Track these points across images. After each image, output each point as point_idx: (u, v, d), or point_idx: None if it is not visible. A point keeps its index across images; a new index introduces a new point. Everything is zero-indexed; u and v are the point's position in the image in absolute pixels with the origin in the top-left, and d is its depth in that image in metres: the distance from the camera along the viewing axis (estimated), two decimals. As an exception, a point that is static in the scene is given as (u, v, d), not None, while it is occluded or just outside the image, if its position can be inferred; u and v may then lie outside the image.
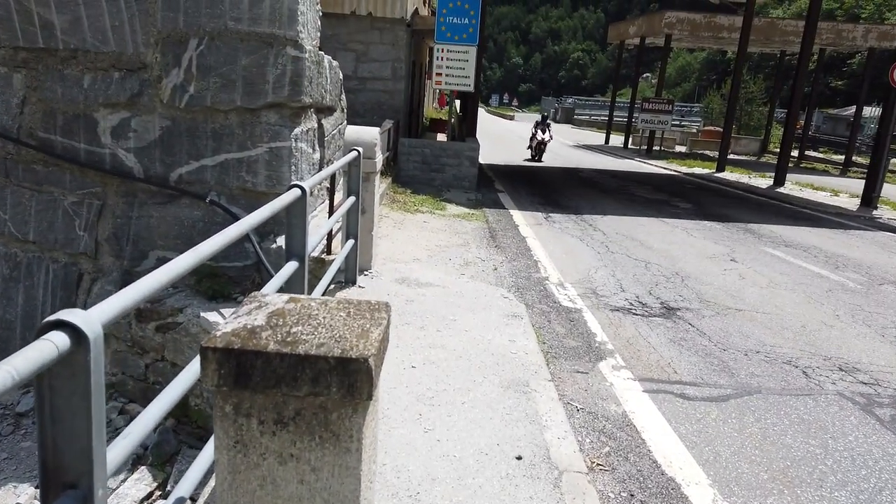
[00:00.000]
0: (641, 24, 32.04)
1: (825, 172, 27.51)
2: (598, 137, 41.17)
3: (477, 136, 16.06)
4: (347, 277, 5.53)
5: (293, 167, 6.77)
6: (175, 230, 6.45)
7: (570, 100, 78.86)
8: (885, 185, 16.71)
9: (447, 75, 13.52)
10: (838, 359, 5.25)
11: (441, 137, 22.04)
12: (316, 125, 7.87)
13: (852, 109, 51.36)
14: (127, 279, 6.76)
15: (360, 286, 5.54)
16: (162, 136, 6.25)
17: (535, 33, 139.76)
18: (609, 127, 38.01)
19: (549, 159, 24.46)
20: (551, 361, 4.72)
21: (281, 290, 3.08)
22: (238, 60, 6.01)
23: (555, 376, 4.40)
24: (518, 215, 11.28)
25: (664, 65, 31.71)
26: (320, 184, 7.68)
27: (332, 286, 5.45)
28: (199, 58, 6.05)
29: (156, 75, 6.11)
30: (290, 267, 3.20)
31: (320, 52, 7.77)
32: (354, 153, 5.20)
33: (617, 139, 36.08)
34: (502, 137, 36.14)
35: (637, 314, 6.12)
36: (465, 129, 15.98)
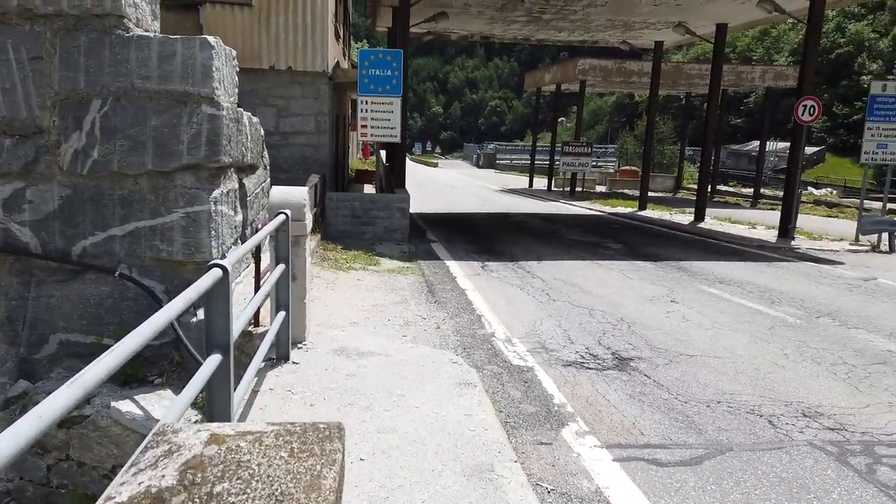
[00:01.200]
0: (556, 71, 33.21)
1: (737, 205, 28.85)
2: (521, 181, 41.96)
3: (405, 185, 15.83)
4: (279, 353, 4.99)
5: (213, 232, 6.23)
6: (80, 310, 5.74)
7: (491, 145, 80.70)
8: (799, 216, 17.49)
9: (373, 127, 13.28)
10: (799, 403, 5.10)
11: (368, 189, 21.73)
12: (237, 185, 7.36)
13: (753, 144, 54.82)
14: (25, 368, 5.97)
15: (293, 362, 5.01)
16: (62, 207, 5.60)
17: (452, 83, 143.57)
18: (532, 170, 38.83)
19: (478, 205, 24.52)
20: (512, 434, 4.32)
21: (203, 392, 2.57)
22: (147, 121, 5.48)
23: (519, 452, 4.00)
24: (454, 266, 10.98)
25: (581, 109, 32.83)
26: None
27: (263, 364, 4.90)
28: (102, 119, 5.48)
29: (54, 140, 5.50)
30: (213, 362, 2.70)
31: (239, 109, 7.32)
32: (282, 217, 4.75)
33: (540, 182, 36.83)
34: (429, 185, 36.23)
35: (591, 368, 5.83)
36: (394, 179, 15.72)
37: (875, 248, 14.81)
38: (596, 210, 23.49)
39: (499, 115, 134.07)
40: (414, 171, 59.47)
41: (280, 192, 5.24)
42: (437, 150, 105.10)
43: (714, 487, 3.73)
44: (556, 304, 8.39)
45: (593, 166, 37.01)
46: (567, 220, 20.02)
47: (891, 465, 4.04)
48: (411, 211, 14.20)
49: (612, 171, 46.30)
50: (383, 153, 23.21)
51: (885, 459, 4.13)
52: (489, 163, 67.23)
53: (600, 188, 36.58)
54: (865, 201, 16.88)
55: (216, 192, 6.31)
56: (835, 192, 41.72)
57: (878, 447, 4.32)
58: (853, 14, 62.22)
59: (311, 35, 13.81)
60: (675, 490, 3.68)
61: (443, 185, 37.38)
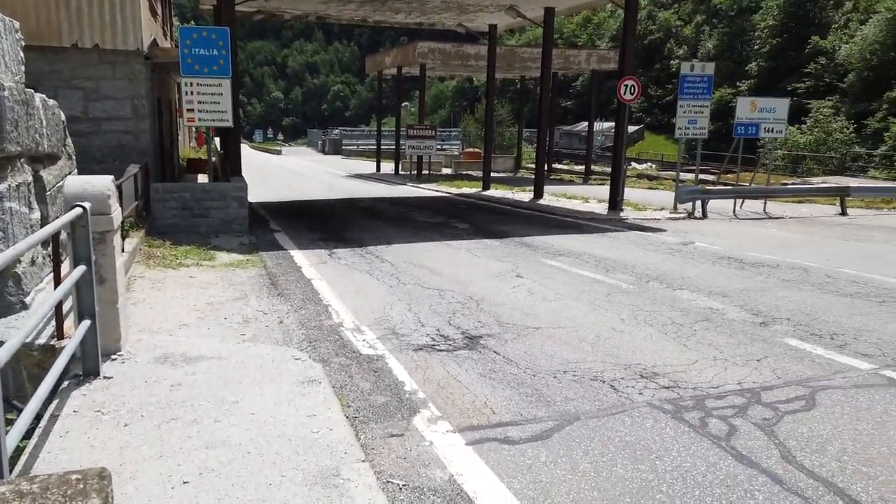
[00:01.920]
0: (396, 54, 33.04)
1: (571, 182, 30.61)
2: (369, 166, 41.52)
3: (244, 173, 14.87)
4: (86, 368, 4.31)
5: (0, 233, 5.31)
6: None
7: (336, 131, 79.14)
8: (625, 189, 18.79)
9: (200, 111, 12.24)
10: (636, 365, 5.32)
11: (203, 179, 20.23)
12: (31, 178, 6.35)
13: (582, 125, 58.61)
14: None
15: (105, 377, 4.35)
16: None
17: (292, 67, 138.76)
18: (378, 155, 38.53)
19: (325, 191, 23.82)
20: (361, 429, 4.05)
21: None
22: None
23: (368, 450, 3.74)
24: (299, 255, 10.44)
25: (423, 93, 32.97)
26: (35, 258, 6.20)
27: (68, 383, 4.21)
28: None
29: None
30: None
31: (29, 90, 6.30)
32: (78, 210, 4.06)
33: (387, 166, 36.66)
34: (272, 173, 34.69)
35: (442, 350, 5.71)
36: (229, 167, 14.69)
37: (691, 215, 16.28)
38: (443, 192, 23.75)
39: (342, 99, 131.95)
40: (256, 159, 56.77)
41: (77, 183, 4.50)
42: (280, 136, 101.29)
43: (564, 460, 3.72)
44: (406, 287, 8.21)
45: (438, 149, 37.48)
46: (415, 202, 20.01)
47: (720, 417, 4.30)
48: (253, 200, 13.37)
49: (456, 153, 47.23)
50: (217, 140, 21.73)
51: (715, 412, 4.38)
52: (335, 149, 65.92)
53: (446, 170, 37.14)
54: (680, 173, 18.50)
55: (2, 186, 5.38)
56: (654, 166, 45.72)
57: (707, 400, 4.59)
58: (662, 3, 68.33)
59: (121, 9, 12.38)
60: (527, 468, 3.62)
61: (287, 173, 35.99)
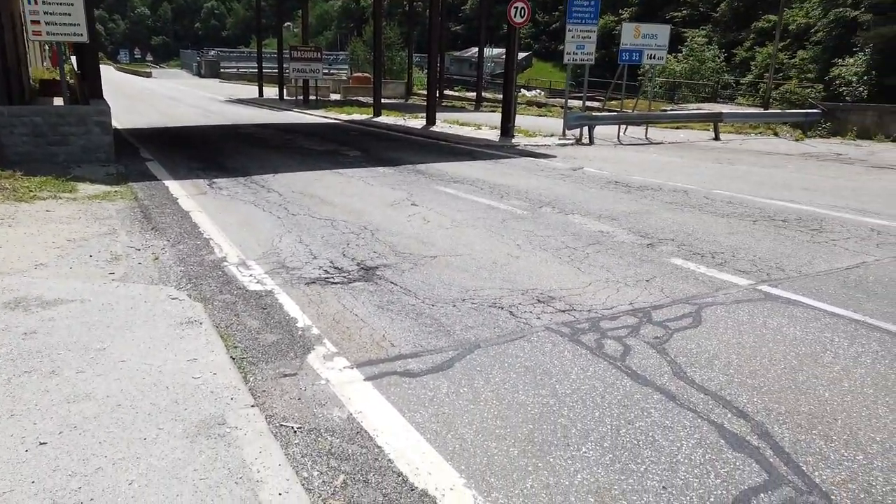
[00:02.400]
0: (276, -33, 30.64)
1: (463, 109, 30.36)
2: (250, 91, 39.09)
3: (109, 97, 13.42)
4: (-85, 320, 3.68)
5: None
6: None
7: (212, 52, 73.58)
8: (516, 116, 18.83)
9: (48, 23, 10.74)
10: (534, 290, 5.32)
11: (59, 102, 18.14)
12: None
13: (472, 50, 57.86)
14: None
15: (-60, 329, 3.74)
16: None
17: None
18: (260, 79, 36.29)
19: (202, 117, 22.15)
20: (251, 371, 3.76)
21: None
22: None
23: (258, 393, 3.47)
24: (175, 186, 9.63)
25: (306, 12, 31.02)
26: None
27: None
28: None
29: None
30: None
31: None
32: None
33: (271, 91, 34.66)
34: (142, 97, 31.84)
35: (336, 283, 5.44)
36: (87, 89, 13.16)
37: (578, 141, 16.60)
38: (332, 118, 22.79)
39: (218, 18, 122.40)
40: (123, 81, 51.97)
41: None
42: (149, 57, 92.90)
43: (466, 389, 3.63)
44: (296, 218, 7.77)
45: (325, 74, 35.78)
46: (302, 129, 19.06)
47: (614, 338, 4.37)
48: (121, 127, 12.11)
49: (344, 78, 45.42)
50: (74, 59, 19.45)
51: (609, 332, 4.46)
52: (212, 71, 61.48)
53: (335, 96, 35.69)
54: (568, 100, 18.72)
55: None
56: (542, 93, 46.28)
57: (602, 322, 4.66)
58: (549, -74, 67.44)
59: None
60: (429, 400, 3.50)
61: (160, 97, 33.17)
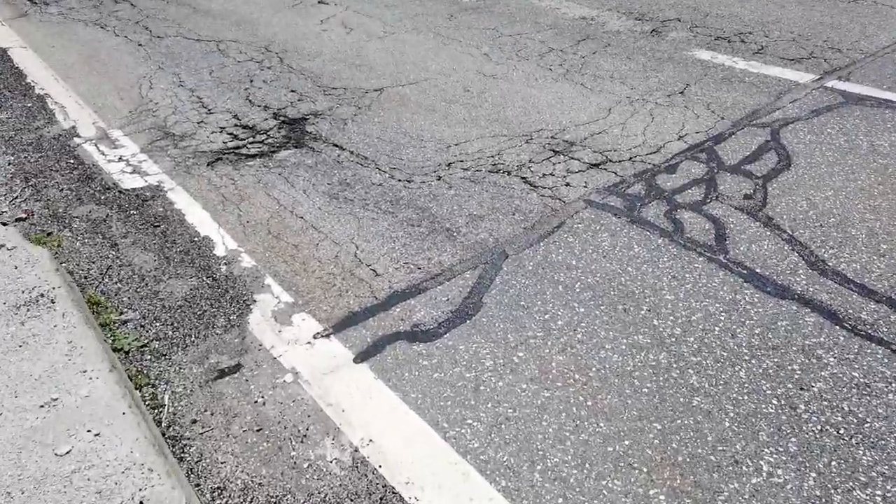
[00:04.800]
0: None
1: None
2: None
3: None
4: None
5: None
6: None
7: None
8: None
9: None
10: (538, 131, 3.79)
11: None
12: None
13: None
14: None
15: None
16: None
17: None
18: None
19: None
20: (157, 384, 2.24)
21: None
22: None
23: (188, 450, 2.02)
24: (-22, 11, 6.87)
25: None
26: None
27: None
28: None
29: None
30: None
31: None
32: None
33: None
34: None
35: (253, 156, 3.71)
36: None
37: None
38: None
39: None
40: None
41: None
42: None
43: (525, 354, 2.29)
44: (165, 42, 5.57)
45: None
46: None
47: (691, 208, 3.02)
48: None
49: None
50: None
51: (678, 198, 3.07)
52: None
53: None
54: None
55: None
56: None
57: (658, 178, 3.26)
58: None
59: None
60: (472, 394, 2.17)
61: None
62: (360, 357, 2.30)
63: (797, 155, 3.32)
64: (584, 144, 3.58)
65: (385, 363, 2.26)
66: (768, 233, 2.76)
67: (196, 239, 3.00)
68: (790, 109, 3.79)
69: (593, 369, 2.18)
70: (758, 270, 2.56)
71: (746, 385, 2.08)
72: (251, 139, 3.90)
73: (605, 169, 3.33)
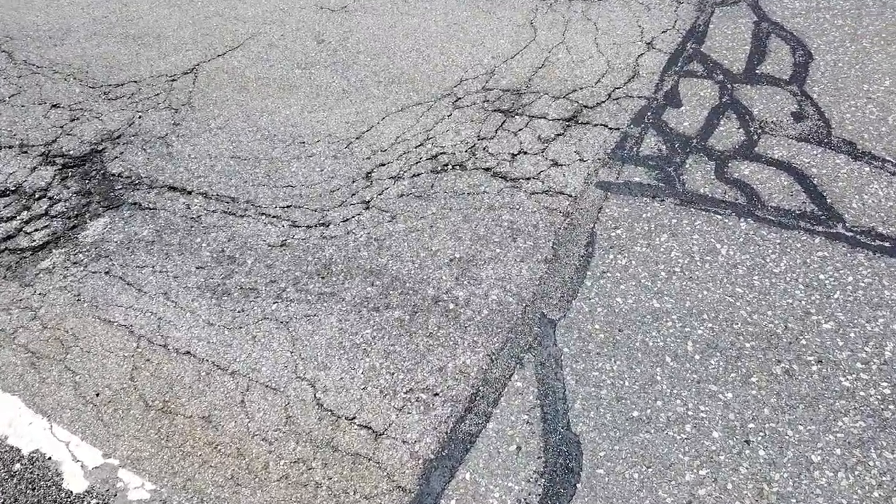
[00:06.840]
0: None
1: None
2: None
3: None
4: None
5: None
6: None
7: None
8: None
9: None
10: (470, 77, 2.66)
11: None
12: None
13: None
14: None
15: None
16: None
17: None
18: None
19: None
20: None
21: None
22: None
23: None
24: None
25: None
26: None
27: None
28: None
29: None
30: None
31: None
32: None
33: None
34: None
35: (46, 245, 2.25)
36: None
37: None
38: None
39: None
40: None
41: None
42: None
43: None
44: None
45: None
46: None
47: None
48: None
49: None
50: None
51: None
52: None
53: None
54: None
55: None
56: None
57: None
58: None
59: None
60: None
61: None
62: None
63: (806, 35, 2.54)
64: (534, 90, 2.53)
65: None
66: (867, 169, 2.00)
67: (22, 464, 1.64)
68: (747, -29, 2.96)
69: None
70: (896, 236, 1.80)
71: None
72: (25, 214, 2.37)
73: (588, 122, 2.35)
